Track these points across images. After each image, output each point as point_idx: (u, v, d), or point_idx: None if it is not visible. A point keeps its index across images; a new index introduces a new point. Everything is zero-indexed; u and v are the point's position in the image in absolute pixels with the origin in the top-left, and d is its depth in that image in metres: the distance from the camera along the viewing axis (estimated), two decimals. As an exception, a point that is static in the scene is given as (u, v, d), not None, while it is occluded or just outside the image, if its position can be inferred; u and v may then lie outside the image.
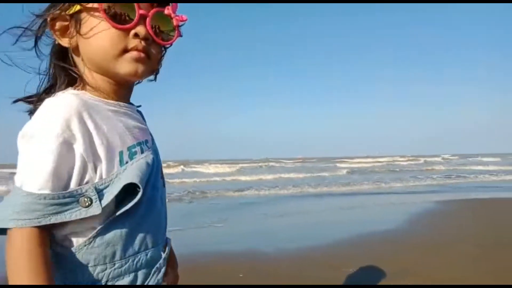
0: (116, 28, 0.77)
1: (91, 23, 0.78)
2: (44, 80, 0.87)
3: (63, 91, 0.82)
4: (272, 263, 3.67)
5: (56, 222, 0.71)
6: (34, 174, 0.71)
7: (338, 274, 3.26)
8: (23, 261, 0.68)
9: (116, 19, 0.77)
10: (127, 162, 0.80)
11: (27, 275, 0.67)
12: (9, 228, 0.70)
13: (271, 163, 35.81)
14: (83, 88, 0.83)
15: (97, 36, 0.77)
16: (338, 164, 31.64)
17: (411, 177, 16.26)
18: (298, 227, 5.59)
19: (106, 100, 0.83)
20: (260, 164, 34.48)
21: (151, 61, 0.84)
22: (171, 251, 1.05)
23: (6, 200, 0.72)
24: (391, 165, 30.57)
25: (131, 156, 0.81)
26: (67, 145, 0.72)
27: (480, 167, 23.97)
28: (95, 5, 0.77)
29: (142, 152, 0.84)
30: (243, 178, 17.17)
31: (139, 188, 0.78)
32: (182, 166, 26.12)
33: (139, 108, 0.96)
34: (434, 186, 12.18)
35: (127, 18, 0.78)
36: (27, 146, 0.73)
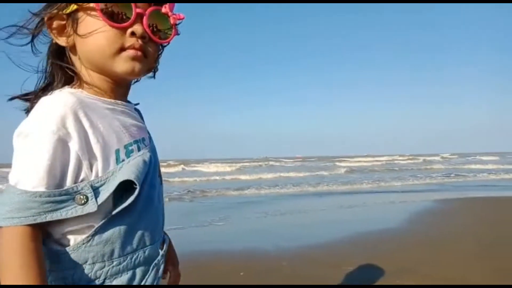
0: (113, 27, 0.77)
1: (88, 22, 0.78)
2: (41, 78, 0.87)
3: (60, 89, 0.82)
4: (273, 262, 3.68)
5: (51, 219, 0.71)
6: (29, 172, 0.70)
7: (338, 272, 3.28)
8: (14, 257, 0.67)
9: (113, 18, 0.77)
10: (123, 160, 0.79)
11: (19, 270, 0.66)
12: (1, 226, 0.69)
13: (271, 162, 35.82)
14: (80, 87, 0.83)
15: (94, 35, 0.77)
16: (337, 163, 31.64)
17: (411, 176, 16.26)
18: (298, 225, 5.60)
19: (103, 98, 0.83)
20: (260, 163, 34.48)
21: (148, 60, 0.84)
22: (171, 248, 1.06)
23: (0, 198, 0.71)
24: (390, 164, 30.55)
25: (128, 154, 0.81)
26: (62, 143, 0.72)
27: (479, 166, 23.93)
28: (92, 4, 0.77)
29: (139, 150, 0.84)
30: (243, 177, 17.17)
31: (136, 185, 0.77)
32: (182, 165, 26.03)
33: (137, 106, 0.96)
34: (433, 185, 12.18)
35: (124, 17, 0.78)
36: (22, 144, 0.72)
